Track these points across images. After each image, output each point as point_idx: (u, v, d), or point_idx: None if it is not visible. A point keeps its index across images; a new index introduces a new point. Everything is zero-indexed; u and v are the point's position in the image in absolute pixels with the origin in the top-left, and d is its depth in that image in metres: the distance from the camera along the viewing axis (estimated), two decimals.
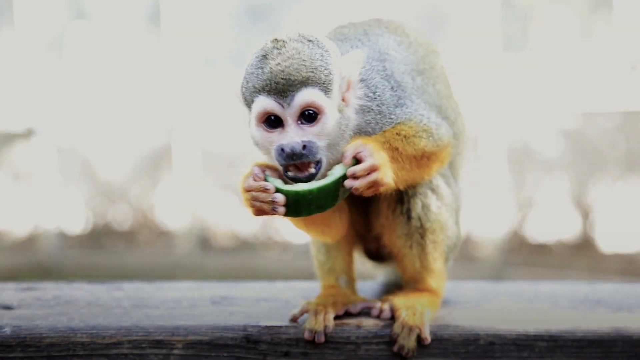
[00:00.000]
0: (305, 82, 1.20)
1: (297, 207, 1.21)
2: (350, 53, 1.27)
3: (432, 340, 1.30)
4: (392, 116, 1.29)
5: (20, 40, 5.46)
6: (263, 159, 1.29)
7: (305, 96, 1.20)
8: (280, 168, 1.23)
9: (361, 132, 1.28)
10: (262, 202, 1.21)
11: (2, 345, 1.29)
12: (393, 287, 1.47)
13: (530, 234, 5.14)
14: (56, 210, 5.55)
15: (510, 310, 1.41)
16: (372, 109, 1.29)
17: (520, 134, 5.10)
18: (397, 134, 1.28)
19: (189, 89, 5.37)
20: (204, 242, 5.47)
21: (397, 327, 1.30)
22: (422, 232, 1.36)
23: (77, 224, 5.72)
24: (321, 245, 1.41)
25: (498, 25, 4.86)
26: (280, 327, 1.31)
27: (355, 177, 1.20)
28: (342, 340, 1.30)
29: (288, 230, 5.30)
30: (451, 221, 1.41)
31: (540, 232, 5.12)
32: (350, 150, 1.21)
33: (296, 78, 1.20)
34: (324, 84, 1.21)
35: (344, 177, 1.20)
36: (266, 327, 1.31)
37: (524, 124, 5.09)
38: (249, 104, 1.25)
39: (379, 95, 1.29)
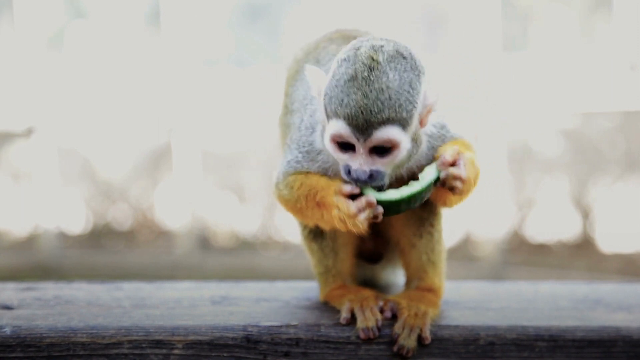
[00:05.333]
0: (386, 122, 1.18)
1: (386, 211, 1.22)
2: (435, 78, 1.26)
3: (432, 340, 1.30)
4: (452, 132, 1.32)
5: (20, 39, 5.46)
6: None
7: (383, 134, 1.19)
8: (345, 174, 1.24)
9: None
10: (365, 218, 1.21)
11: (2, 345, 1.29)
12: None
13: (530, 234, 5.14)
14: (56, 210, 5.55)
15: (510, 310, 1.41)
16: (437, 130, 1.31)
17: (520, 134, 5.10)
18: (463, 144, 1.29)
19: (189, 89, 5.37)
20: (204, 242, 5.47)
21: (398, 327, 1.30)
22: (432, 221, 1.38)
23: (77, 224, 5.72)
24: (330, 251, 1.40)
25: (498, 25, 4.86)
26: (280, 327, 1.31)
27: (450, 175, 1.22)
28: (342, 340, 1.30)
29: (288, 230, 5.30)
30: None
31: (540, 232, 5.12)
32: (448, 157, 1.22)
33: (378, 118, 1.18)
34: (404, 119, 1.19)
35: (435, 180, 1.22)
36: (266, 327, 1.31)
37: (524, 124, 5.09)
38: (327, 115, 1.22)
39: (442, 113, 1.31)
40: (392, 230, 1.40)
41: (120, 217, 5.74)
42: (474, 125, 4.84)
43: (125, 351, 1.29)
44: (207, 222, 5.53)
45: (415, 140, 1.23)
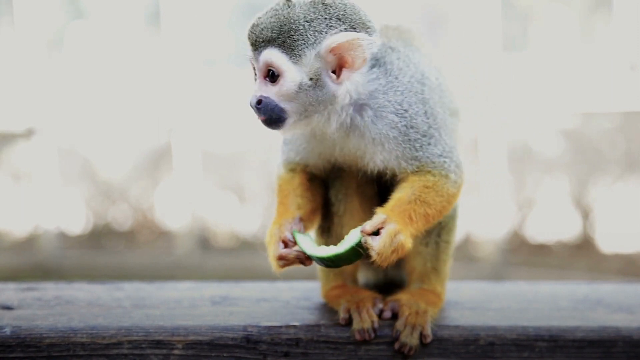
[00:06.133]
0: (270, 42, 1.23)
1: (320, 263, 1.27)
2: (348, 33, 1.24)
3: (432, 340, 1.30)
4: (417, 144, 1.28)
5: (20, 40, 5.46)
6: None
7: (266, 55, 1.24)
8: None
9: (378, 138, 1.29)
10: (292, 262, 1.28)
11: (2, 345, 1.29)
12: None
13: (530, 234, 5.14)
14: (56, 210, 5.55)
15: (510, 310, 1.41)
16: (398, 127, 1.28)
17: (520, 134, 5.10)
18: (425, 187, 1.28)
19: (189, 89, 5.37)
20: (204, 242, 5.47)
21: (400, 324, 1.30)
22: (439, 230, 1.38)
23: (77, 224, 5.72)
24: None
25: (498, 25, 4.86)
26: (280, 327, 1.31)
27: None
28: (342, 340, 1.30)
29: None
30: (457, 223, 1.42)
31: (540, 232, 5.12)
32: (368, 227, 1.22)
33: (264, 37, 1.23)
34: (289, 46, 1.23)
35: (360, 242, 1.23)
36: (266, 327, 1.31)
37: (524, 124, 5.09)
38: None
39: (410, 115, 1.28)
40: None
41: (120, 217, 5.74)
42: (474, 125, 4.85)
43: (125, 351, 1.29)
44: (207, 222, 5.53)
45: (315, 82, 1.24)
